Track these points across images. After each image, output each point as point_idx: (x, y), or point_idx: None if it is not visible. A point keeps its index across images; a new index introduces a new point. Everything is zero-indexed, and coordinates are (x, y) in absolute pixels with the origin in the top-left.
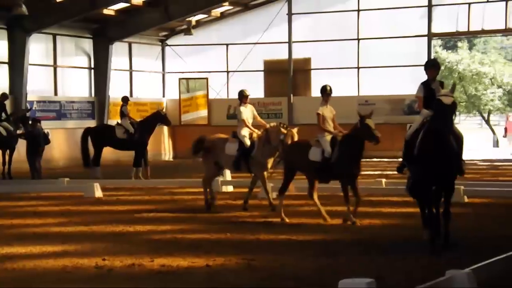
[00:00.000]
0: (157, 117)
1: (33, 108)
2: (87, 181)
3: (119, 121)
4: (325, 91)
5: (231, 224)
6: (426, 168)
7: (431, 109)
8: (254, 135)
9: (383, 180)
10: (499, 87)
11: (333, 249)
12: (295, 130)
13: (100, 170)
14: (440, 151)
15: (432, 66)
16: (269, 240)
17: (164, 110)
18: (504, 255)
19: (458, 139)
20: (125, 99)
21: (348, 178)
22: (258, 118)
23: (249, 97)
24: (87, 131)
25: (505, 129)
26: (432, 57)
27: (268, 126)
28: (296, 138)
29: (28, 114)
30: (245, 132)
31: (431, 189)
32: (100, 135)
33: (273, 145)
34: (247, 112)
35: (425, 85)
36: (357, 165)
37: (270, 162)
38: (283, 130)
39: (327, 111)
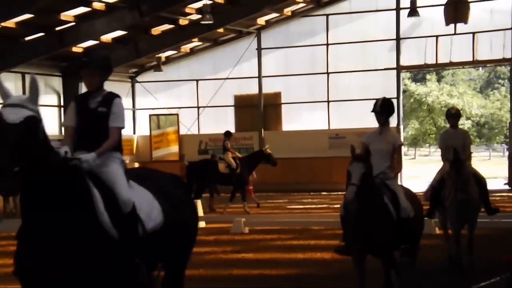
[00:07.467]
0: (260, 155)
1: None
2: None
3: (221, 156)
4: None
5: (204, 260)
6: None
7: None
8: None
9: None
10: (468, 118)
11: (306, 284)
12: None
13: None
14: None
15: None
16: (242, 276)
17: (267, 149)
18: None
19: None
20: (227, 134)
21: None
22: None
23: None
24: (190, 166)
25: None
26: (401, 90)
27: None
28: None
29: None
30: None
31: None
32: (204, 170)
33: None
34: (452, 140)
35: None
36: None
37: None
38: None
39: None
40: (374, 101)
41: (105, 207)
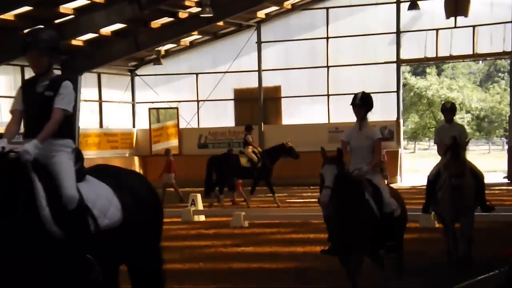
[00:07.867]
0: (281, 149)
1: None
2: None
3: (242, 150)
4: None
5: (204, 253)
6: None
7: None
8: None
9: None
10: (468, 112)
11: (306, 278)
12: None
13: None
14: None
15: None
16: (242, 269)
17: (289, 143)
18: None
19: None
20: (248, 128)
21: None
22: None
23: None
24: (211, 160)
25: None
26: (401, 84)
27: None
28: None
29: None
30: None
31: None
32: (225, 164)
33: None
34: (448, 135)
35: None
36: None
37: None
38: None
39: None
40: (353, 95)
41: (47, 202)
